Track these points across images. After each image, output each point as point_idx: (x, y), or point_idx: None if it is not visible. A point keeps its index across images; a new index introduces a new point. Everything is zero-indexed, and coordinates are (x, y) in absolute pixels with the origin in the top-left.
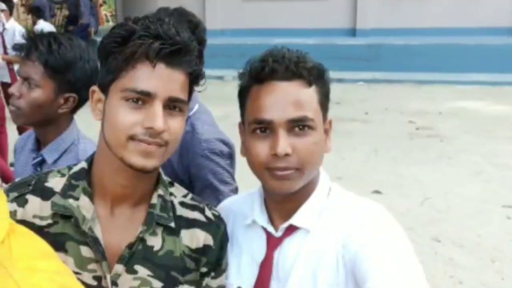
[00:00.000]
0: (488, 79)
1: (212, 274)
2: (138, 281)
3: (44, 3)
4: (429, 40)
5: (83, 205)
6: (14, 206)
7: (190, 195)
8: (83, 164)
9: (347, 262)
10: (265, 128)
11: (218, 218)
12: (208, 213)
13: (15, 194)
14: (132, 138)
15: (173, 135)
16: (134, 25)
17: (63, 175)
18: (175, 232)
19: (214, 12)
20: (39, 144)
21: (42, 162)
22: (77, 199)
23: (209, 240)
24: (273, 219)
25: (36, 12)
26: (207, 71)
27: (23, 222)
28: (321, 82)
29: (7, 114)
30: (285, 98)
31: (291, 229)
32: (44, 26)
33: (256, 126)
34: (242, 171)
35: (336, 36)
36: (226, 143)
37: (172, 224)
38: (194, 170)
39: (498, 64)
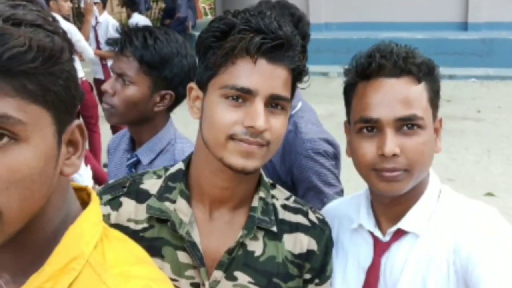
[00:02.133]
0: None
1: (316, 280)
2: None
3: None
4: None
5: (180, 208)
6: (107, 209)
7: (293, 198)
8: (180, 165)
9: (458, 268)
10: (372, 127)
11: (323, 222)
12: (312, 216)
13: (108, 196)
14: (232, 137)
15: (275, 134)
16: (234, 19)
17: (159, 176)
18: (277, 237)
19: (318, 4)
20: (134, 144)
21: (137, 162)
22: (174, 202)
23: (313, 245)
24: (380, 223)
25: (131, 5)
26: (311, 67)
27: (117, 226)
28: (431, 79)
29: (100, 112)
30: (393, 96)
31: (400, 234)
32: (139, 19)
33: (362, 125)
34: (348, 173)
35: (446, 30)
36: (330, 143)
37: (274, 228)
38: (297, 171)
39: None
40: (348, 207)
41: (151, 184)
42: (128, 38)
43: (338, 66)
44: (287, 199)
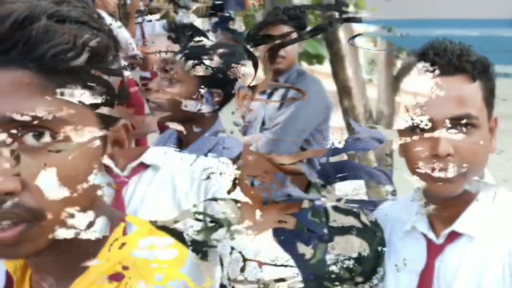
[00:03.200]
0: None
1: (368, 284)
2: None
3: None
4: None
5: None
6: None
7: (344, 199)
8: None
9: None
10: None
11: (375, 224)
12: (364, 218)
13: None
14: None
15: None
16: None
17: None
18: (327, 239)
19: (369, 1)
20: (181, 144)
21: None
22: None
23: (365, 248)
24: (433, 225)
25: (177, 2)
26: None
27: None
28: (486, 77)
29: (146, 111)
30: (446, 94)
31: (454, 236)
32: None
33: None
34: (401, 173)
35: (502, 28)
36: (381, 141)
37: (325, 230)
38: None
39: None
40: (401, 208)
41: None
42: (174, 35)
43: None
44: (338, 200)
